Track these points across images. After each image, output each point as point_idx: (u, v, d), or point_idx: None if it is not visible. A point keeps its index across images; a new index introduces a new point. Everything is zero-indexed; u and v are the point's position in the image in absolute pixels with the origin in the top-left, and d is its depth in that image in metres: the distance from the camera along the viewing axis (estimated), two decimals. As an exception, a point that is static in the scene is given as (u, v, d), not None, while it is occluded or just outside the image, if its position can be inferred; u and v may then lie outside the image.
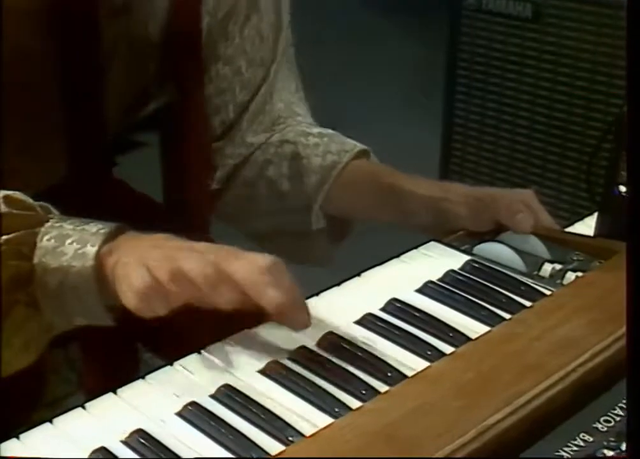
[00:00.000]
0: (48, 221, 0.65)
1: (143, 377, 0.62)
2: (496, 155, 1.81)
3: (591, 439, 0.55)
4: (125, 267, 0.61)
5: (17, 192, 0.66)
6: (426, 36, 2.70)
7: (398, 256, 0.77)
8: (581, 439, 0.56)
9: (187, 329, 0.62)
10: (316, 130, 0.91)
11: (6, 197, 0.66)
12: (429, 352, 0.64)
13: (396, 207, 0.85)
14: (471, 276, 0.74)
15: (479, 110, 1.80)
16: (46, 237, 0.64)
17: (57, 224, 0.65)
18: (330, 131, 0.91)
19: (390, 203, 0.85)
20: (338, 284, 0.73)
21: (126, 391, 0.61)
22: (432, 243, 0.79)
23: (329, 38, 3.07)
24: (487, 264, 0.76)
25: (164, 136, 0.85)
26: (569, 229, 0.85)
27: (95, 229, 0.64)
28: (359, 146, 0.90)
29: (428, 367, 0.62)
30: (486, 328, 0.67)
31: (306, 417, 0.58)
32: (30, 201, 0.67)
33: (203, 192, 0.88)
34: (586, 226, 0.84)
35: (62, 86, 0.75)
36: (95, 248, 0.63)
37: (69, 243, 0.63)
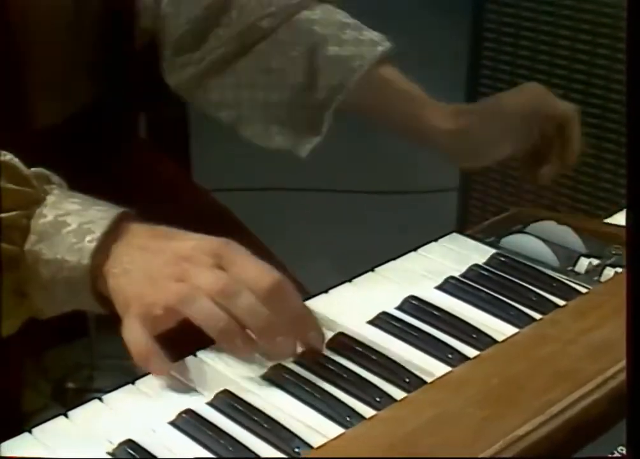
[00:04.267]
0: (45, 199, 0.67)
1: (132, 382, 0.63)
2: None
3: (631, 452, 0.57)
4: (119, 294, 0.64)
5: (13, 158, 0.67)
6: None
7: (415, 249, 0.78)
8: (619, 453, 0.57)
9: (181, 328, 0.64)
10: (345, 19, 0.90)
11: None
12: (450, 356, 0.65)
13: (417, 138, 0.89)
14: (497, 272, 0.75)
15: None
16: (41, 221, 0.66)
17: (56, 204, 0.66)
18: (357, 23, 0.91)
19: (411, 134, 0.89)
20: (350, 280, 0.74)
21: (113, 398, 0.62)
22: (454, 234, 0.81)
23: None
24: (515, 258, 0.77)
25: None
26: (608, 221, 0.86)
27: (98, 216, 0.66)
28: (387, 45, 0.89)
29: (449, 372, 0.64)
30: (514, 330, 0.68)
31: (315, 427, 0.60)
32: (26, 171, 0.67)
33: None
34: (627, 217, 0.85)
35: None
36: (92, 245, 0.65)
37: (67, 232, 0.65)
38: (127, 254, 0.65)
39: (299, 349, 0.65)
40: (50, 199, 0.67)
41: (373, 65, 0.88)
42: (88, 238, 0.65)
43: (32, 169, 0.68)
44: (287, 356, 0.64)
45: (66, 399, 0.96)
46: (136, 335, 0.62)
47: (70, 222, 0.65)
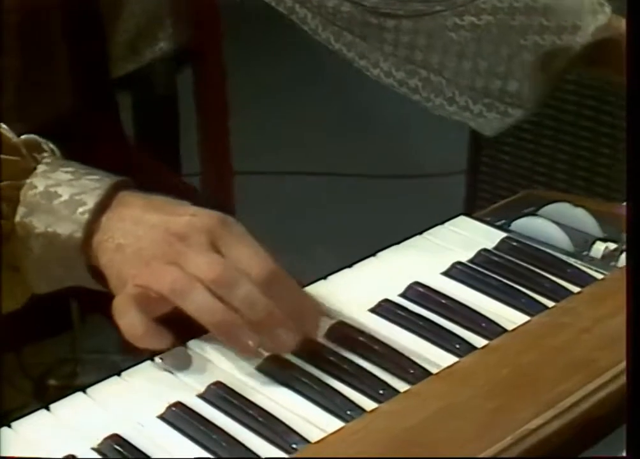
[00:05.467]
0: (35, 168, 0.67)
1: (118, 374, 0.64)
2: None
3: (649, 447, 0.57)
4: (112, 271, 0.64)
5: (1, 126, 0.68)
6: None
7: (420, 233, 0.78)
8: (637, 447, 0.58)
9: (169, 316, 0.64)
10: None
11: None
12: (457, 346, 0.66)
13: None
14: (507, 257, 0.75)
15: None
16: (31, 192, 0.66)
17: (47, 174, 0.67)
18: None
19: None
20: (350, 266, 0.75)
21: (98, 390, 0.63)
22: (461, 217, 0.81)
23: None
24: (527, 242, 0.78)
25: None
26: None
27: (90, 186, 0.66)
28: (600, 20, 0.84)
29: (456, 363, 0.64)
30: (525, 318, 0.69)
31: (313, 421, 0.60)
32: (16, 139, 0.68)
33: None
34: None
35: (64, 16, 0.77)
36: (85, 218, 0.65)
37: (58, 203, 0.66)
38: (120, 228, 0.65)
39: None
40: (40, 168, 0.67)
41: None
42: (80, 209, 0.65)
43: (23, 136, 0.68)
44: (288, 349, 0.65)
45: (48, 397, 0.97)
46: (130, 316, 0.62)
47: (61, 192, 0.66)
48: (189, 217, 0.65)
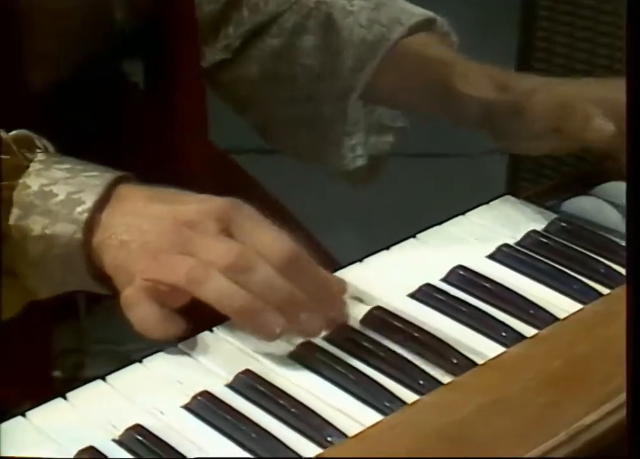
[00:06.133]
0: (28, 166, 0.66)
1: (140, 361, 0.63)
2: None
3: None
4: (118, 269, 0.63)
5: None
6: None
7: (463, 213, 0.77)
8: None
9: (196, 300, 0.63)
10: None
11: None
12: (504, 335, 0.65)
13: (449, 110, 0.84)
14: (558, 239, 0.74)
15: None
16: (25, 192, 0.65)
17: (41, 172, 0.66)
18: None
19: (442, 105, 0.85)
20: (387, 248, 0.74)
21: (117, 378, 0.62)
22: (507, 197, 0.80)
23: None
24: (579, 224, 0.76)
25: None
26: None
27: (88, 183, 0.65)
28: (419, 15, 0.87)
29: (503, 353, 0.63)
30: (578, 306, 0.68)
31: (350, 414, 0.59)
32: (4, 136, 0.67)
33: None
34: None
35: None
36: (84, 217, 0.64)
37: (55, 203, 0.65)
38: (122, 224, 0.64)
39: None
40: (34, 166, 0.66)
41: (397, 41, 0.86)
42: (78, 209, 0.64)
43: (13, 132, 0.67)
44: (314, 334, 0.64)
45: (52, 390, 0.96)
46: (141, 307, 0.61)
47: (57, 191, 0.65)
48: (196, 205, 0.64)
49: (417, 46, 0.87)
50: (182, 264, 0.62)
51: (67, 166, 0.67)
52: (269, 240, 0.63)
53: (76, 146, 0.69)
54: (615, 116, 0.74)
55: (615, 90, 0.76)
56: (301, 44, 0.89)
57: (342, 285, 0.67)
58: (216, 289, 0.61)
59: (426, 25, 0.88)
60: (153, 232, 0.64)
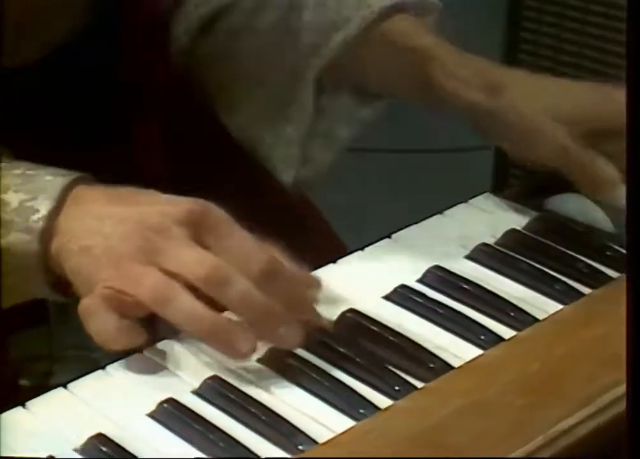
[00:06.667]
0: None
1: (103, 368, 0.63)
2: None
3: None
4: (79, 275, 0.63)
5: None
6: None
7: (441, 212, 0.77)
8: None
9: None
10: None
11: None
12: (482, 337, 0.65)
13: (430, 103, 0.83)
14: (539, 238, 0.74)
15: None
16: None
17: None
18: None
19: (422, 96, 0.82)
20: (362, 248, 0.74)
21: (80, 386, 0.62)
22: (487, 194, 0.80)
23: None
24: (561, 222, 0.77)
25: None
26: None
27: (43, 188, 0.64)
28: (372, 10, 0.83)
29: (480, 356, 0.63)
30: (558, 306, 0.68)
31: (321, 420, 0.59)
32: None
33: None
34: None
35: None
36: (40, 226, 0.63)
37: (9, 212, 0.64)
38: (82, 227, 0.63)
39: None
40: None
41: (366, 25, 0.83)
42: (33, 217, 0.64)
43: None
44: (294, 346, 0.63)
45: (19, 399, 0.95)
46: (99, 317, 0.61)
47: (9, 200, 0.64)
48: (162, 207, 0.63)
49: (396, 32, 0.84)
50: (147, 277, 0.61)
51: (18, 171, 0.66)
52: (245, 248, 0.62)
53: (39, 142, 0.69)
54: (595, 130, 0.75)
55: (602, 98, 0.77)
56: (261, 23, 0.87)
57: (318, 284, 0.67)
58: (182, 310, 0.60)
59: (400, 7, 0.84)
60: (116, 236, 0.63)
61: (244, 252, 0.62)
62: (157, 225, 0.62)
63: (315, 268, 0.71)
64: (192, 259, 0.61)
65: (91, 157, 0.72)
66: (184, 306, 0.60)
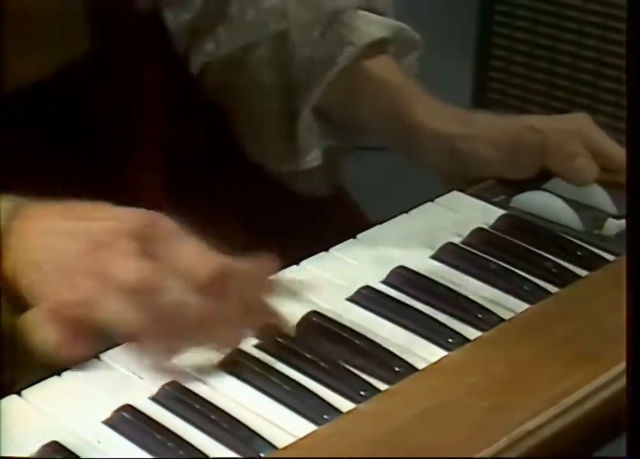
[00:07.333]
0: None
1: (58, 374, 0.63)
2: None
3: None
4: (32, 292, 0.63)
5: None
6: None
7: (407, 211, 0.78)
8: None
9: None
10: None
11: None
12: (448, 339, 0.65)
13: (402, 139, 0.86)
14: (506, 237, 0.75)
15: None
16: None
17: None
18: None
19: (394, 133, 0.86)
20: (326, 249, 0.74)
21: (34, 393, 0.62)
22: (454, 193, 0.80)
23: None
24: (529, 220, 0.77)
25: None
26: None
27: None
28: (373, 35, 0.87)
29: (445, 357, 0.63)
30: (524, 306, 0.68)
31: (282, 425, 0.59)
32: None
33: None
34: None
35: None
36: None
37: None
38: (33, 245, 0.64)
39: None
40: None
41: (350, 62, 0.87)
42: None
43: None
44: (230, 346, 0.64)
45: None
46: (40, 330, 0.61)
47: None
48: (111, 222, 0.64)
49: (377, 71, 0.88)
50: (83, 285, 0.62)
51: None
52: (189, 257, 0.63)
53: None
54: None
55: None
56: (253, 58, 0.89)
57: (278, 288, 0.68)
58: (109, 311, 0.61)
59: (380, 46, 0.88)
60: (65, 252, 0.63)
61: (191, 260, 0.63)
62: (103, 241, 0.63)
63: (278, 270, 0.71)
64: (128, 269, 0.62)
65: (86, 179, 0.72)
66: (112, 307, 0.61)
